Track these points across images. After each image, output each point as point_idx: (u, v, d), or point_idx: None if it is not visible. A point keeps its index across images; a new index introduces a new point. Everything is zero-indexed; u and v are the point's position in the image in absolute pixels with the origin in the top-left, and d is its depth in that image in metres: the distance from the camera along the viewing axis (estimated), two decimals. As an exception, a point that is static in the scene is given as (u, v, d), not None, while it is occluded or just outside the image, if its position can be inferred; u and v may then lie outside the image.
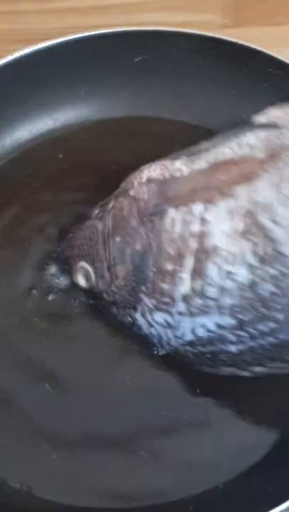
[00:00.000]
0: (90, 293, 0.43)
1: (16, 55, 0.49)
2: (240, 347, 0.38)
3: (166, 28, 0.51)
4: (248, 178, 0.36)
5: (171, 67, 0.52)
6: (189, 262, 0.37)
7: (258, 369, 0.39)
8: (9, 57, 0.49)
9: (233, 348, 0.38)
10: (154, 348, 0.41)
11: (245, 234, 0.36)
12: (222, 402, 0.42)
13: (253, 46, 0.50)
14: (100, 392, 0.42)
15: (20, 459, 0.40)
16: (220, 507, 0.39)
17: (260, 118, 0.40)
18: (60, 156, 0.51)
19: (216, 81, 0.52)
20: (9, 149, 0.52)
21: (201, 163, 0.39)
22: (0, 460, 0.40)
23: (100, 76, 0.53)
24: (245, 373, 0.40)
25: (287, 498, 0.36)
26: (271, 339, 0.37)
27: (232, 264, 0.36)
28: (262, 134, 0.38)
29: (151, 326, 0.39)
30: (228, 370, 0.40)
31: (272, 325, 0.36)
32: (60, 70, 0.51)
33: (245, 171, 0.36)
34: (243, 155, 0.37)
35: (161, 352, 0.40)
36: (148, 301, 0.39)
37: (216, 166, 0.38)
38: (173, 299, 0.38)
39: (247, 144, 0.38)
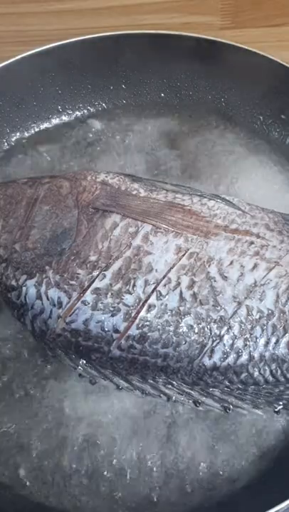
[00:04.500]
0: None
1: (18, 56, 0.49)
2: (124, 354, 0.39)
3: (165, 32, 0.51)
4: (203, 232, 0.40)
5: (170, 67, 0.53)
6: (116, 265, 0.39)
7: (118, 381, 0.40)
8: (11, 59, 0.49)
9: (116, 353, 0.39)
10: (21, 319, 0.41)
11: (187, 271, 0.38)
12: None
13: (252, 48, 0.50)
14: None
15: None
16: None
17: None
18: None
19: (213, 80, 0.53)
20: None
21: (160, 196, 0.42)
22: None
23: (99, 77, 0.54)
24: (103, 379, 0.41)
25: (287, 498, 0.36)
26: (161, 362, 0.38)
27: (164, 286, 0.38)
28: (224, 206, 0.41)
29: (39, 298, 0.39)
30: (87, 370, 0.41)
31: (169, 351, 0.38)
32: (61, 71, 0.52)
33: (202, 227, 0.40)
34: (201, 211, 0.41)
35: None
36: (52, 275, 0.39)
37: (172, 205, 0.41)
38: (82, 286, 0.39)
39: (207, 206, 0.41)
